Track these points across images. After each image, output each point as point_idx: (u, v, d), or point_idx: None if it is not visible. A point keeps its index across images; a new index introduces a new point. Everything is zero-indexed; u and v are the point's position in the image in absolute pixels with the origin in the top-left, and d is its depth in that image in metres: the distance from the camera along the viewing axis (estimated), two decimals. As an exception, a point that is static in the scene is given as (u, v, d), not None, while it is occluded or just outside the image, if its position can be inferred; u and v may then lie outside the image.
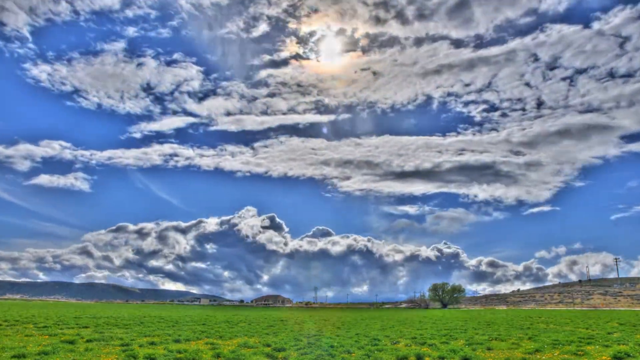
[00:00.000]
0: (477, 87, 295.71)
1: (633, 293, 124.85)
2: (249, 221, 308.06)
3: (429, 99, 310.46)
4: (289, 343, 16.31)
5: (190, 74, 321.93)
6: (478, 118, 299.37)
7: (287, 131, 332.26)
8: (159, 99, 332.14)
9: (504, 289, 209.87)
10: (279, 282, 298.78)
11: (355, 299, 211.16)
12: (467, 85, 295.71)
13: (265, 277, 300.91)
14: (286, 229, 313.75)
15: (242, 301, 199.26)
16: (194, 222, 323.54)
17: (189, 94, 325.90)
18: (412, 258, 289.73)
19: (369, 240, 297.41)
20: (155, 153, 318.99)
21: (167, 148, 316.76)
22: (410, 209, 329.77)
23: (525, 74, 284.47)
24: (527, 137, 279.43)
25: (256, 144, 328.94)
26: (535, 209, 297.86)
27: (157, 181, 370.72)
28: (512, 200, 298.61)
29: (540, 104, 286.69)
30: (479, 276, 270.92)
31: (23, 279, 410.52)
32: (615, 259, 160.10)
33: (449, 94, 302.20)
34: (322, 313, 66.49)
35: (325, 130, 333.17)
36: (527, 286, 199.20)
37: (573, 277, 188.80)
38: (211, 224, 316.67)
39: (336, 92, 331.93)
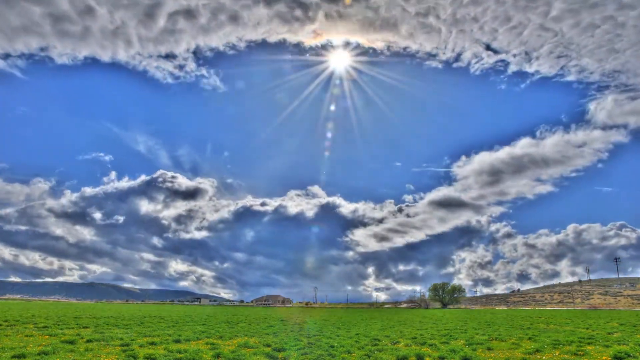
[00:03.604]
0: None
1: (633, 293, 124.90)
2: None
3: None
4: (289, 343, 16.31)
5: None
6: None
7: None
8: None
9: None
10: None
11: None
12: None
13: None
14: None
15: (242, 301, 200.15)
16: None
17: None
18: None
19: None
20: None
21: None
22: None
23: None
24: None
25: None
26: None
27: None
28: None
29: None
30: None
31: (23, 279, 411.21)
32: (615, 259, 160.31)
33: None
34: (322, 313, 66.49)
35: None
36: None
37: None
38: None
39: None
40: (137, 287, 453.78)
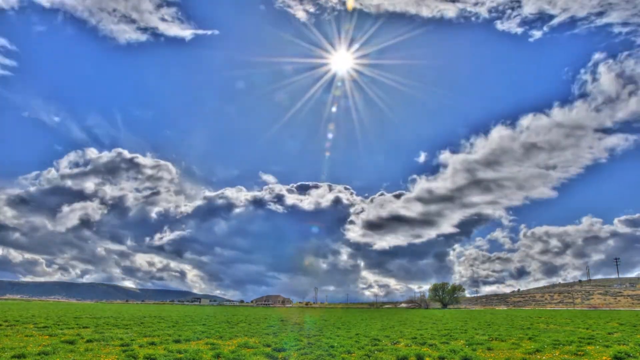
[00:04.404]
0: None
1: (633, 293, 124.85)
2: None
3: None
4: (289, 343, 16.31)
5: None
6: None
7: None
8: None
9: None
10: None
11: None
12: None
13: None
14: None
15: (242, 301, 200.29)
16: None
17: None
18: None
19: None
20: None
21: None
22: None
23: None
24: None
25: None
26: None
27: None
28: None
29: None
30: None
31: (23, 279, 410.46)
32: (615, 259, 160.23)
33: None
34: (321, 313, 66.47)
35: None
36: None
37: None
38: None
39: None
40: (136, 287, 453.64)
